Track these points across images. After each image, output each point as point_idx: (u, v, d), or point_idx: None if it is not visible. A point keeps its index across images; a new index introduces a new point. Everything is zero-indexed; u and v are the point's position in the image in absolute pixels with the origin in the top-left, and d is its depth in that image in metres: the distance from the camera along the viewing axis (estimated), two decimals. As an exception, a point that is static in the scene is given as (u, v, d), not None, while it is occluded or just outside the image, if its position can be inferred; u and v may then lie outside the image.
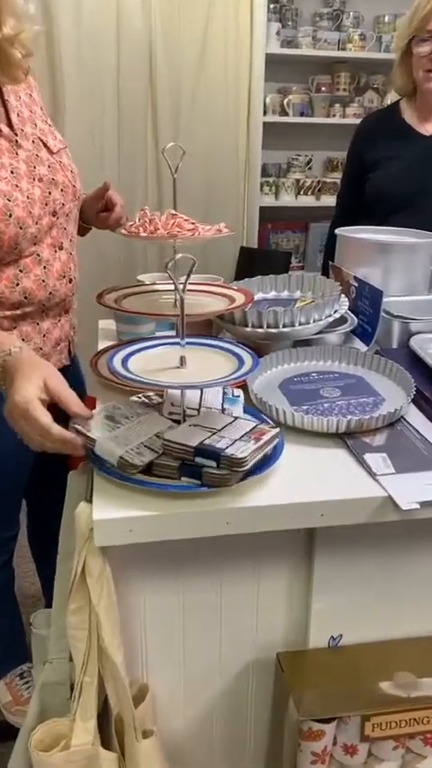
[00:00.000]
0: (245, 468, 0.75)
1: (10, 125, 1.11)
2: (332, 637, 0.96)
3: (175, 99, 2.77)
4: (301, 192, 3.07)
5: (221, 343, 0.92)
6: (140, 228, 1.06)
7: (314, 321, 1.14)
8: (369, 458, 0.88)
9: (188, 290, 1.21)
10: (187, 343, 0.88)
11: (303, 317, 1.13)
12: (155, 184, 2.89)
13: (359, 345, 1.25)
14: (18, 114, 1.14)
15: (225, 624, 0.91)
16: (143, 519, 0.76)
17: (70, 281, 1.21)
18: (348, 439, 0.93)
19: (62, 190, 1.16)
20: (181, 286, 0.85)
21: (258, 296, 1.35)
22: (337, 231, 1.39)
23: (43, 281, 1.15)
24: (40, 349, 1.20)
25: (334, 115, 2.98)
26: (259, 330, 1.14)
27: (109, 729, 0.91)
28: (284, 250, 3.19)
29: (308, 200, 3.07)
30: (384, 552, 0.88)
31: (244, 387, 1.02)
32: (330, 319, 1.16)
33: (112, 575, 0.80)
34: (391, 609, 0.93)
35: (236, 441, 0.79)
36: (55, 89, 2.62)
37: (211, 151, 2.88)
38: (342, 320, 1.25)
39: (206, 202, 2.95)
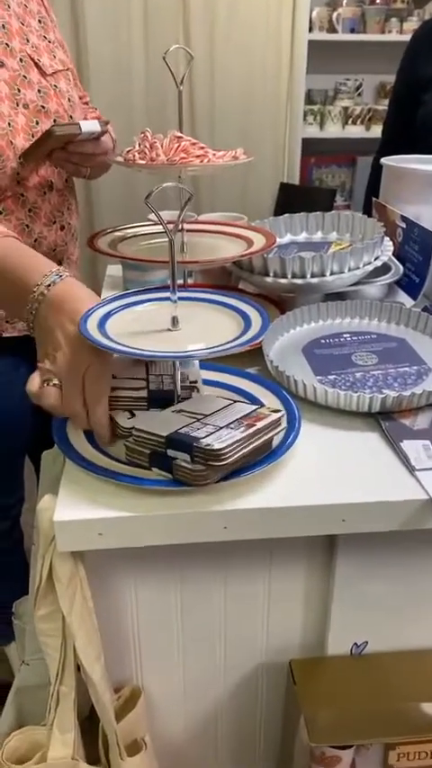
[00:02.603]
0: (224, 462, 0.58)
1: None
2: (355, 644, 0.81)
3: (210, 13, 2.49)
4: (350, 122, 2.78)
5: (223, 298, 0.74)
6: (137, 155, 0.87)
7: (349, 270, 0.95)
8: (407, 446, 0.70)
9: (199, 231, 1.04)
10: (182, 299, 0.70)
11: (336, 264, 0.94)
12: (188, 110, 2.64)
13: (404, 299, 1.05)
14: (3, 26, 0.94)
15: (230, 624, 0.77)
16: (115, 521, 0.61)
17: (62, 227, 1.04)
18: (384, 420, 0.75)
19: (55, 120, 0.97)
20: (172, 226, 0.67)
21: (286, 238, 1.15)
22: (383, 161, 1.16)
23: (27, 225, 0.99)
24: None
25: (389, 31, 2.65)
26: (282, 281, 0.95)
27: (96, 741, 0.80)
28: (329, 187, 2.92)
29: (356, 131, 2.78)
30: (418, 551, 0.72)
31: (258, 349, 0.85)
32: (369, 268, 0.96)
33: (94, 566, 0.66)
34: (424, 614, 0.77)
35: (220, 428, 0.62)
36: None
37: (249, 74, 2.61)
38: (385, 269, 1.05)
39: (242, 133, 2.70)
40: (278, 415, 0.66)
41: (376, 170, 1.74)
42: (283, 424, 0.68)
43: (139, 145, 0.89)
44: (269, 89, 2.65)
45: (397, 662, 0.79)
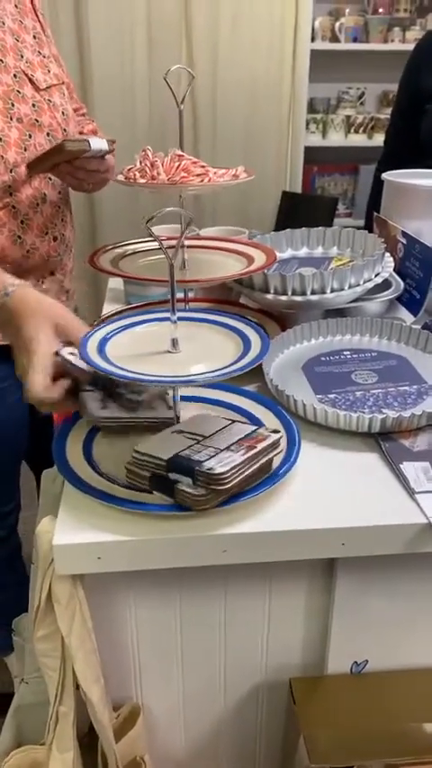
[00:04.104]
0: (226, 485, 0.59)
1: None
2: (356, 662, 0.81)
3: (213, 20, 2.50)
4: (352, 131, 2.78)
5: (223, 319, 0.74)
6: (137, 174, 0.87)
7: (350, 287, 0.95)
8: (407, 467, 0.70)
9: (200, 247, 1.04)
10: (182, 319, 0.70)
11: (336, 281, 0.94)
12: (190, 117, 2.64)
13: (405, 315, 1.05)
14: None
15: (230, 641, 0.77)
16: (114, 545, 0.61)
17: (55, 238, 1.04)
18: (383, 440, 0.75)
19: (48, 134, 0.98)
20: (174, 249, 0.67)
21: (287, 253, 1.15)
22: (384, 176, 1.17)
23: (19, 237, 0.99)
24: None
25: (392, 40, 2.65)
26: (282, 298, 0.95)
27: (96, 759, 0.80)
28: (331, 195, 2.92)
29: (359, 140, 2.79)
30: (419, 571, 0.71)
31: (258, 366, 0.85)
32: (370, 285, 0.96)
33: (94, 585, 0.66)
34: (424, 633, 0.76)
35: (221, 451, 0.62)
36: (78, 7, 2.38)
37: (252, 82, 2.61)
38: (386, 285, 1.05)
39: (245, 142, 2.70)
40: (277, 436, 0.66)
41: (378, 180, 1.74)
42: (283, 445, 0.68)
43: (140, 163, 0.90)
44: (272, 98, 2.65)
45: (397, 681, 0.79)
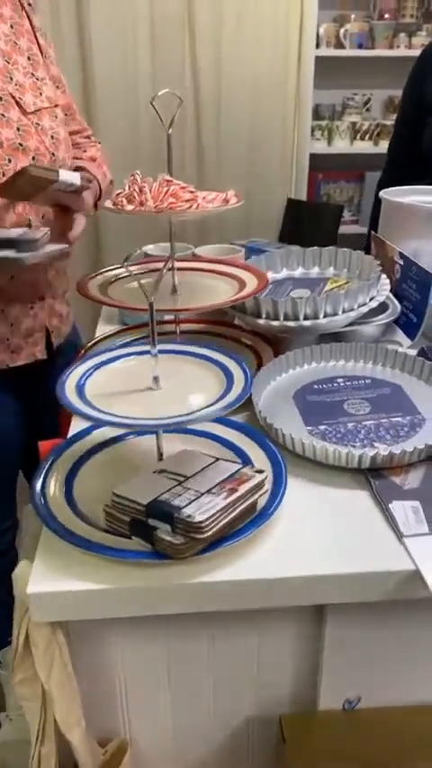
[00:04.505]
0: (205, 534, 0.57)
1: None
2: (347, 700, 0.78)
3: (216, 29, 2.48)
4: (358, 137, 2.75)
5: (206, 351, 0.72)
6: (125, 200, 0.86)
7: (343, 312, 0.93)
8: (397, 508, 0.68)
9: (191, 269, 1.02)
10: (162, 352, 0.69)
11: (330, 306, 0.92)
12: (193, 126, 2.62)
13: (402, 339, 1.03)
14: None
15: (218, 679, 0.75)
16: (92, 594, 0.59)
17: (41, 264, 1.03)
18: (373, 477, 0.72)
19: (34, 158, 0.96)
20: (159, 277, 0.65)
21: (282, 273, 1.13)
22: (381, 194, 1.14)
23: None
24: (7, 339, 1.03)
25: (398, 46, 2.62)
26: (274, 323, 0.93)
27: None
28: (336, 202, 2.89)
29: (365, 146, 2.75)
30: (410, 613, 0.69)
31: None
32: (364, 309, 0.94)
33: (78, 624, 0.64)
34: (419, 670, 0.74)
35: (201, 495, 0.60)
36: (80, 5, 2.36)
37: (256, 90, 2.59)
38: (382, 307, 1.03)
39: (249, 150, 2.68)
40: (262, 477, 0.64)
41: (382, 188, 1.72)
42: (267, 486, 0.66)
43: (129, 188, 0.88)
44: (276, 105, 2.63)
45: (391, 718, 0.77)
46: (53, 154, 0.99)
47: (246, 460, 0.74)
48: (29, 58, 1.02)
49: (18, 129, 0.94)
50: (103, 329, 1.16)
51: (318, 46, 2.57)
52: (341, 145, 2.77)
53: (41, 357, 1.09)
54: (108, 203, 0.86)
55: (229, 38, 2.50)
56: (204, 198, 0.86)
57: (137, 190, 0.86)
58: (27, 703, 0.70)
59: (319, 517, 0.68)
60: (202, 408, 0.62)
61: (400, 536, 0.64)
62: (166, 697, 0.75)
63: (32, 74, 1.02)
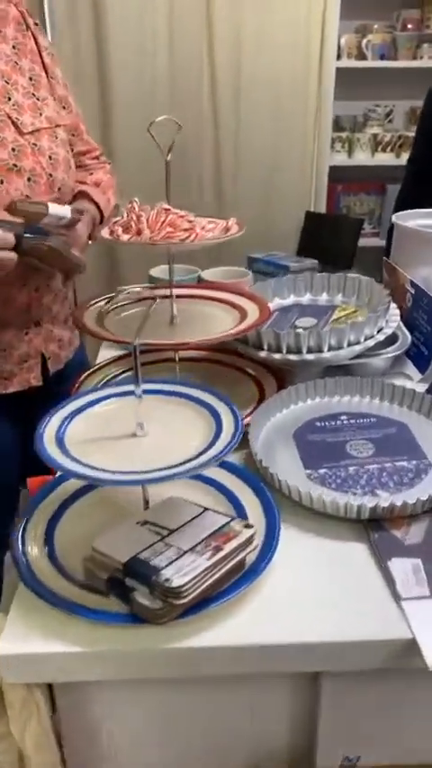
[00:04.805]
0: (184, 599, 0.53)
1: None
2: (347, 758, 0.74)
3: (235, 39, 2.45)
4: (379, 149, 2.70)
5: (192, 391, 0.69)
6: (120, 229, 0.83)
7: (348, 345, 0.89)
8: (396, 566, 0.63)
9: (191, 297, 0.99)
10: (148, 392, 0.65)
11: (334, 339, 0.88)
12: (211, 138, 2.60)
13: (412, 372, 0.98)
14: None
15: (211, 736, 0.71)
16: (66, 657, 0.56)
17: (37, 289, 1.00)
18: (373, 530, 0.68)
19: (29, 179, 0.93)
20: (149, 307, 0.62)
21: (289, 299, 1.09)
22: (394, 219, 1.10)
23: None
24: (25, 362, 1.01)
25: (421, 57, 2.56)
26: (276, 356, 0.89)
27: None
28: (357, 215, 2.84)
29: (386, 158, 2.70)
30: (407, 678, 0.65)
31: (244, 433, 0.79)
32: (371, 343, 0.90)
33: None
34: (420, 730, 0.70)
35: (184, 553, 0.56)
36: (98, 19, 2.35)
37: (275, 102, 2.55)
38: (392, 337, 0.99)
39: (268, 162, 2.65)
40: (251, 532, 0.61)
41: (402, 200, 1.68)
42: (257, 541, 0.62)
43: (127, 215, 0.85)
44: (296, 117, 2.59)
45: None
46: (50, 175, 0.96)
47: (238, 507, 0.70)
48: (30, 78, 1.00)
49: (13, 150, 0.92)
50: (104, 354, 1.13)
51: (339, 57, 2.53)
52: (362, 157, 2.72)
53: (36, 384, 1.06)
54: (104, 232, 0.84)
55: (248, 48, 2.46)
56: (203, 227, 0.83)
57: (134, 218, 0.83)
58: (2, 756, 0.67)
59: (314, 573, 0.64)
60: (188, 461, 0.59)
61: (397, 599, 0.60)
62: (156, 756, 0.72)
63: (33, 94, 1.00)
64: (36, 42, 1.04)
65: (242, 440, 0.79)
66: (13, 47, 0.99)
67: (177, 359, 0.95)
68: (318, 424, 0.84)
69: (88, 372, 0.97)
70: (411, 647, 0.57)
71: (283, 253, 2.52)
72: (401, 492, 0.72)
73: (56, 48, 2.43)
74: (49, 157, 0.97)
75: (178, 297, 0.95)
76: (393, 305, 0.97)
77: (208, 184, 2.67)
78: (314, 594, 0.61)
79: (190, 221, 0.82)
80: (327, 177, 2.70)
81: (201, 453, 0.61)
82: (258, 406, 0.88)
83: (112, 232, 0.83)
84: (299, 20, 2.43)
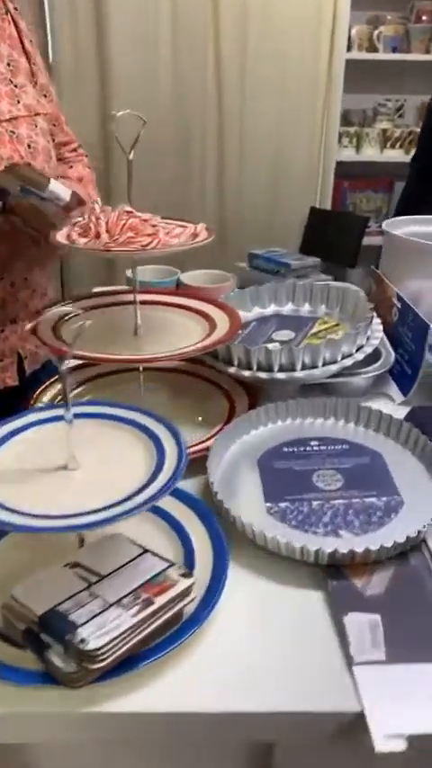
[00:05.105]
0: (99, 664, 0.47)
1: None
2: None
3: (241, 29, 2.37)
4: (388, 145, 2.62)
5: (129, 414, 0.63)
6: (78, 231, 0.77)
7: (324, 364, 0.82)
8: (352, 622, 0.57)
9: (158, 303, 0.92)
10: (78, 416, 0.59)
11: (308, 357, 0.81)
12: (214, 127, 2.52)
13: (395, 392, 0.91)
14: None
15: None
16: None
17: (13, 284, 0.95)
18: (331, 576, 0.62)
19: (6, 168, 0.88)
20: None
21: (270, 309, 1.03)
22: (384, 226, 1.03)
23: None
24: None
25: (435, 50, 2.47)
26: (245, 373, 0.83)
27: None
28: (363, 212, 2.76)
29: (395, 155, 2.62)
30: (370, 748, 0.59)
31: (202, 458, 0.73)
32: (347, 363, 0.83)
33: None
34: None
35: (110, 606, 0.50)
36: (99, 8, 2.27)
37: (282, 94, 2.47)
38: (375, 354, 0.92)
39: (273, 156, 2.57)
40: (188, 583, 0.54)
41: (406, 199, 1.61)
42: (196, 594, 0.56)
43: (87, 217, 0.79)
44: (303, 109, 2.51)
45: None
46: (29, 164, 0.90)
47: (185, 541, 0.64)
48: (8, 64, 0.94)
49: None
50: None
51: (349, 48, 2.44)
52: (370, 152, 2.64)
53: (12, 383, 1.01)
54: (60, 236, 0.77)
55: (255, 32, 2.38)
56: (169, 233, 0.76)
57: (94, 220, 0.77)
58: None
59: (262, 625, 0.58)
60: (124, 500, 0.53)
61: (350, 662, 0.54)
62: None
63: (11, 80, 0.94)
64: (17, 27, 0.98)
65: (203, 463, 0.73)
66: None
67: (141, 369, 0.89)
68: (285, 449, 0.78)
69: (46, 384, 0.91)
70: (362, 721, 0.51)
71: (284, 249, 2.45)
72: (366, 534, 0.65)
73: (55, 14, 2.34)
74: (28, 146, 0.92)
75: (146, 303, 0.88)
76: (377, 320, 0.90)
77: (211, 172, 2.59)
78: (259, 651, 0.55)
79: (153, 225, 0.76)
80: (333, 173, 2.62)
81: (140, 490, 0.55)
82: (227, 424, 0.81)
83: (68, 236, 0.77)
84: (308, 8, 2.35)
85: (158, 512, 0.68)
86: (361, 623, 0.57)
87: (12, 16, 0.98)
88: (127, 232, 0.75)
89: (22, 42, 0.99)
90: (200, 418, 0.87)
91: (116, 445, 0.59)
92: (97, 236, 0.75)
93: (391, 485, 0.72)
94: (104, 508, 0.53)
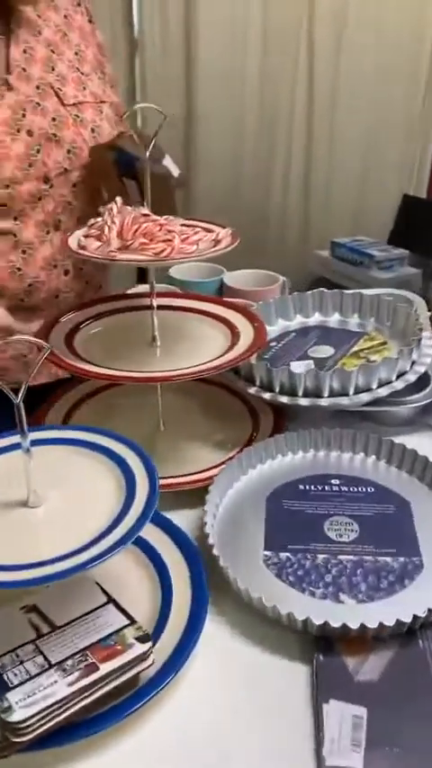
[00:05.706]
0: (23, 738, 0.42)
1: (8, 60, 0.84)
2: None
3: (340, 5, 2.23)
4: None
5: (96, 438, 0.57)
6: (93, 234, 0.71)
7: (356, 392, 0.73)
8: (333, 713, 0.49)
9: (179, 308, 0.86)
10: (36, 443, 0.53)
11: (337, 382, 0.72)
12: (303, 116, 2.40)
13: (443, 425, 0.80)
14: (26, 50, 0.85)
15: None
16: None
17: (66, 272, 0.92)
18: (321, 649, 0.54)
19: (69, 150, 0.87)
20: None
21: (314, 318, 0.93)
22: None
23: (18, 268, 0.87)
24: (24, 356, 0.94)
25: None
26: (266, 395, 0.75)
27: None
28: (461, 202, 2.55)
29: None
30: None
31: (203, 490, 0.66)
32: (383, 392, 0.73)
33: None
34: None
35: (46, 669, 0.45)
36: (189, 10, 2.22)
37: (379, 75, 2.32)
38: (424, 379, 0.81)
39: (365, 138, 2.42)
40: (144, 648, 0.48)
41: None
42: (153, 659, 0.50)
43: (104, 217, 0.73)
44: (403, 94, 2.35)
45: None
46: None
47: (165, 583, 0.58)
48: (76, 53, 0.93)
49: (53, 120, 0.85)
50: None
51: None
52: None
53: (63, 376, 0.99)
54: (72, 240, 0.72)
55: (352, 21, 2.24)
56: (187, 238, 0.69)
57: (107, 224, 0.71)
58: None
59: (232, 699, 0.51)
60: (91, 543, 0.47)
61: (320, 762, 0.46)
62: None
63: (78, 68, 0.92)
64: (89, 18, 0.97)
65: (203, 494, 0.67)
66: (65, 17, 0.92)
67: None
68: (301, 486, 0.70)
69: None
70: None
71: (371, 239, 2.30)
72: (372, 602, 0.56)
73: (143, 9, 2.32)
74: (92, 130, 0.90)
75: (167, 308, 0.82)
76: (429, 342, 0.80)
77: (298, 156, 2.47)
78: (223, 735, 0.49)
79: (169, 231, 0.69)
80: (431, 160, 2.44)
81: (108, 530, 0.49)
82: (247, 446, 0.74)
83: (81, 239, 0.71)
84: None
85: (140, 543, 0.62)
86: (343, 716, 0.49)
87: (85, 7, 0.97)
88: (140, 237, 0.68)
89: (94, 34, 0.97)
90: (219, 437, 0.80)
91: (82, 476, 0.54)
92: (110, 240, 0.70)
93: (414, 543, 0.62)
94: (70, 554, 0.48)
